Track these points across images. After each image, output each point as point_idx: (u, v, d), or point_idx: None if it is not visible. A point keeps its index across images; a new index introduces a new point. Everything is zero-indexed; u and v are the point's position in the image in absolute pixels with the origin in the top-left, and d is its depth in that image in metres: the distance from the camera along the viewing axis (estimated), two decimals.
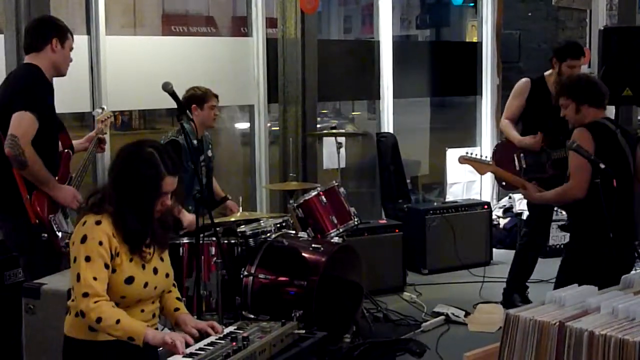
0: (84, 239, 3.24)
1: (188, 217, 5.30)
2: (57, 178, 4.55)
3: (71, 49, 4.70)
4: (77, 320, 3.29)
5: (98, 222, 3.26)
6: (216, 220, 4.86)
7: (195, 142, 5.50)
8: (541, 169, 6.05)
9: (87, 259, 3.22)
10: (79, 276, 3.22)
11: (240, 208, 5.45)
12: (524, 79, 6.45)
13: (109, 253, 3.25)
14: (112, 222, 3.28)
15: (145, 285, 3.35)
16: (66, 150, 4.75)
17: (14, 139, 4.30)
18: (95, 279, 3.20)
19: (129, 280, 3.30)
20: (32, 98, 4.41)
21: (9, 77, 4.74)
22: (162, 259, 3.49)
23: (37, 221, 4.42)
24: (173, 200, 3.41)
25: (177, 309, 3.57)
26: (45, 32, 4.60)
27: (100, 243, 3.23)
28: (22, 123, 4.34)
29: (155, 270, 3.42)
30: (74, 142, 4.95)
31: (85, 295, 3.19)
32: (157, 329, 3.53)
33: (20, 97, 4.42)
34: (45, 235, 4.41)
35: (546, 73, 6.44)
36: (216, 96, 5.75)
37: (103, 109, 5.16)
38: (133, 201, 3.29)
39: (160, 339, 3.19)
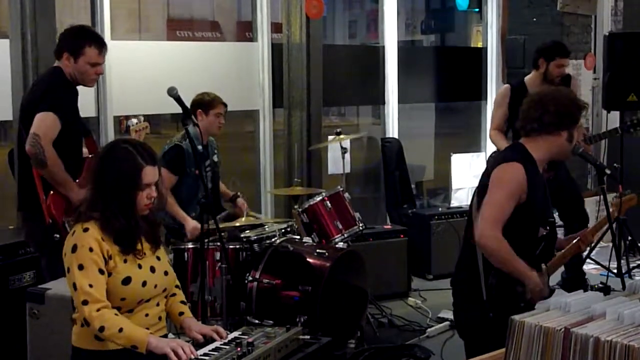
0: (74, 249, 3.26)
1: (191, 224, 5.30)
2: (78, 182, 4.56)
3: (92, 63, 4.66)
4: (84, 330, 3.30)
5: (86, 230, 3.28)
6: (221, 226, 4.86)
7: (200, 147, 5.49)
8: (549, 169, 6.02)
9: (80, 267, 3.23)
10: (75, 285, 3.23)
11: (246, 212, 5.45)
12: (503, 86, 6.50)
13: (102, 258, 3.26)
14: (100, 227, 3.30)
15: (144, 284, 3.36)
16: (91, 156, 4.76)
17: (35, 137, 4.38)
18: (91, 285, 3.21)
19: (126, 280, 3.31)
20: (55, 99, 4.48)
21: (37, 80, 4.86)
22: (158, 258, 3.50)
23: (50, 221, 4.43)
24: (159, 192, 3.43)
25: (181, 313, 3.58)
26: (60, 44, 4.68)
27: (91, 249, 3.24)
28: (44, 123, 4.41)
29: (153, 269, 3.42)
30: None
31: (85, 303, 3.20)
32: (166, 333, 3.53)
33: (44, 98, 4.49)
34: (57, 236, 4.41)
35: (526, 78, 6.44)
36: (224, 105, 5.71)
37: (138, 118, 5.14)
38: (116, 199, 3.31)
39: (162, 347, 3.18)
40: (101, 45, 4.70)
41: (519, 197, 3.76)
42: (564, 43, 6.60)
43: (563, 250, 4.05)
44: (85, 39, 4.66)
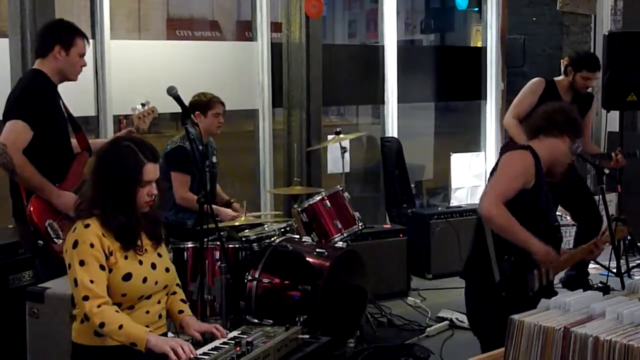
0: (75, 244, 3.27)
1: (227, 212, 5.37)
2: (64, 182, 4.54)
3: (81, 54, 4.64)
4: (84, 326, 3.31)
5: (87, 226, 3.29)
6: (220, 225, 4.86)
7: (201, 147, 5.50)
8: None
9: (81, 263, 3.24)
10: (76, 281, 3.24)
11: (245, 212, 5.45)
12: (537, 78, 6.40)
13: (103, 254, 3.27)
14: (101, 223, 3.31)
15: (145, 280, 3.37)
16: (82, 152, 4.74)
17: (2, 146, 4.33)
18: (92, 281, 3.22)
19: (127, 276, 3.32)
20: (26, 106, 4.41)
21: (16, 84, 4.78)
22: (159, 255, 3.50)
23: (32, 228, 4.41)
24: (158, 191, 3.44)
25: (181, 311, 3.58)
26: (49, 39, 4.58)
27: (92, 245, 3.25)
28: (13, 131, 4.36)
29: (154, 266, 3.43)
30: (98, 140, 4.97)
31: (86, 298, 3.21)
32: (166, 331, 3.54)
33: (14, 105, 4.45)
34: (41, 242, 4.40)
35: (556, 78, 6.44)
36: (222, 104, 5.71)
37: (143, 104, 4.92)
38: (117, 195, 3.32)
39: (161, 346, 3.19)
40: (85, 37, 4.69)
41: (526, 181, 3.86)
42: (596, 57, 6.55)
43: (572, 252, 4.12)
44: (74, 31, 4.64)
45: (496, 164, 4.02)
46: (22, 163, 4.35)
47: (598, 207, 6.59)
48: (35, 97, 4.48)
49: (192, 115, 4.57)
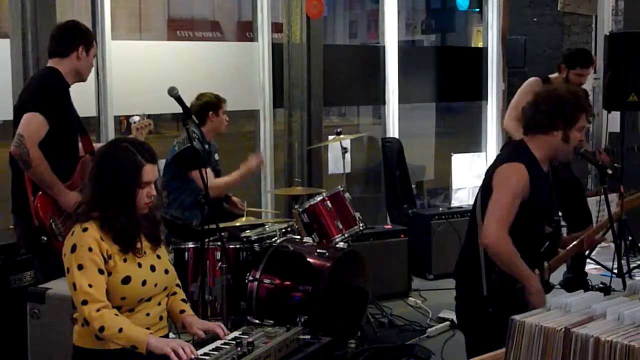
0: (73, 249, 3.26)
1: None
2: (70, 182, 4.55)
3: (95, 55, 4.77)
4: (85, 329, 3.30)
5: (85, 229, 3.28)
6: (222, 225, 4.86)
7: (206, 146, 5.54)
8: (554, 172, 6.01)
9: (80, 267, 3.23)
10: (74, 285, 3.24)
11: (245, 212, 5.44)
12: (533, 78, 6.41)
13: (101, 257, 3.26)
14: (99, 226, 3.30)
15: (144, 283, 3.36)
16: (86, 156, 4.75)
17: (20, 138, 4.35)
18: (90, 285, 3.22)
19: (126, 280, 3.31)
20: (45, 100, 4.44)
21: (29, 80, 4.84)
22: (158, 257, 3.50)
23: (37, 223, 4.42)
24: (158, 192, 3.44)
25: (182, 311, 3.58)
26: (73, 39, 4.65)
27: (90, 249, 3.24)
28: (31, 123, 4.38)
29: (153, 268, 3.42)
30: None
31: (85, 302, 3.21)
32: (167, 333, 3.53)
33: (33, 98, 4.47)
34: (45, 238, 4.40)
35: (551, 76, 6.43)
36: (225, 101, 5.85)
37: (141, 116, 5.07)
38: (116, 197, 3.31)
39: (162, 347, 3.18)
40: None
41: (523, 196, 3.78)
42: (589, 53, 6.54)
43: (567, 249, 4.07)
44: (91, 34, 4.79)
45: (490, 174, 3.89)
46: (38, 157, 4.37)
47: (590, 211, 6.59)
48: (53, 93, 4.53)
49: (192, 116, 4.57)
